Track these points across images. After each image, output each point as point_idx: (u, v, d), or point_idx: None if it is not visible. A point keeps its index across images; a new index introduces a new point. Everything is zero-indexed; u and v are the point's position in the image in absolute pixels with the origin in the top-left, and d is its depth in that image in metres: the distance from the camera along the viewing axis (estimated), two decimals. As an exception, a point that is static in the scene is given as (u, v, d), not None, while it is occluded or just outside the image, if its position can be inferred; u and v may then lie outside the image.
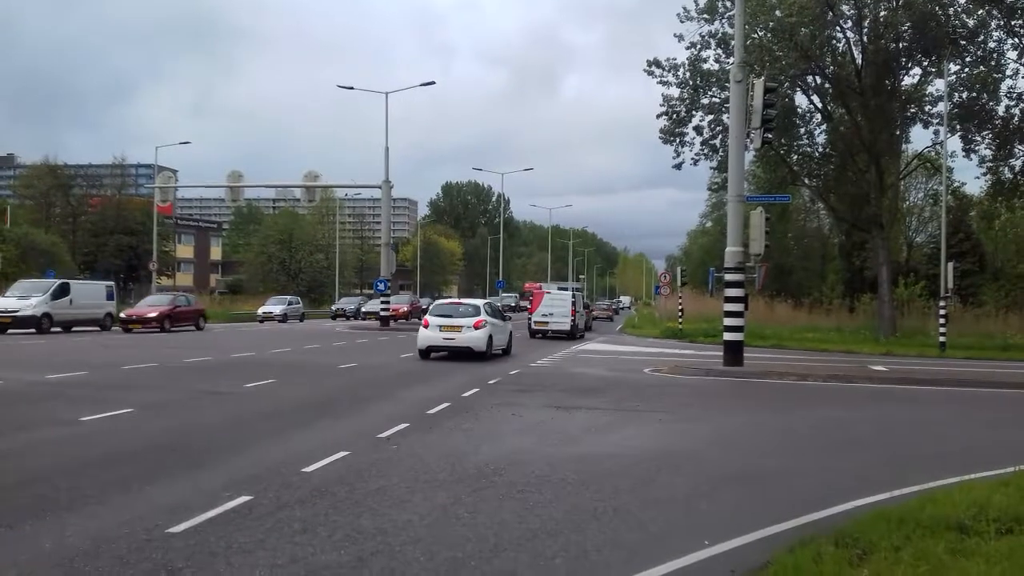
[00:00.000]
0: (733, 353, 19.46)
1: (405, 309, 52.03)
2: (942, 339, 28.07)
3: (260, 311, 50.74)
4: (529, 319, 35.21)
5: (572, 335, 33.99)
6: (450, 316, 22.17)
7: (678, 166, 34.89)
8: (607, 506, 6.55)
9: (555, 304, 34.38)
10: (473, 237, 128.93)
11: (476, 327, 21.66)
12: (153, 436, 9.29)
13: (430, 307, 25.17)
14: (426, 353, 21.55)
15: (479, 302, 24.35)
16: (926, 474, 7.82)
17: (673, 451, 9.26)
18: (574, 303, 34.89)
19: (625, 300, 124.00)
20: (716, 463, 8.54)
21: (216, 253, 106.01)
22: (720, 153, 33.32)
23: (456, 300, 29.41)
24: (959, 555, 5.08)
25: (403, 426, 10.10)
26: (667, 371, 19.23)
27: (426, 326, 21.86)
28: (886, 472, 8.14)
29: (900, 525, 5.63)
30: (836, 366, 21.20)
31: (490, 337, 21.91)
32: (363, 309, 55.99)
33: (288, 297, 56.24)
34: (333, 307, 60.31)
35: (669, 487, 7.37)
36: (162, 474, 7.29)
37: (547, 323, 33.93)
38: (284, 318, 49.70)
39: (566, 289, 38.34)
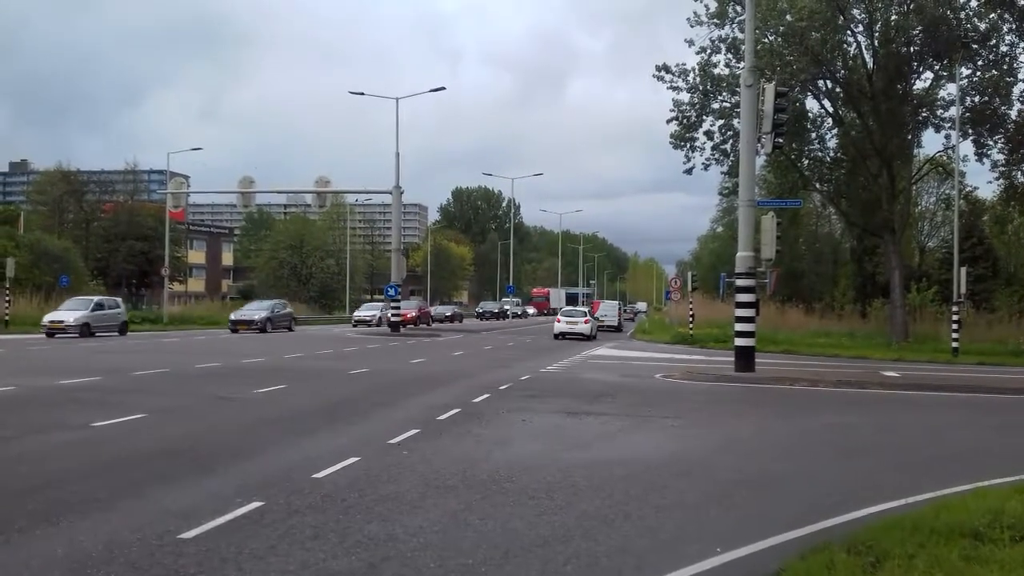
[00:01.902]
0: (744, 359, 19.39)
1: (414, 315, 50.57)
2: (954, 344, 27.91)
3: (46, 320, 32.50)
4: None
5: (618, 328, 52.64)
6: (572, 316, 40.17)
7: (689, 171, 34.84)
8: (618, 512, 6.53)
9: (608, 309, 56.92)
10: (483, 242, 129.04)
11: (585, 323, 38.80)
12: (164, 441, 9.32)
13: (560, 310, 49.28)
14: (558, 336, 37.43)
15: (585, 308, 46.41)
16: (939, 480, 7.77)
17: (684, 457, 9.24)
18: (618, 309, 59.33)
19: (641, 305, 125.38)
20: (727, 469, 8.51)
21: (228, 258, 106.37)
22: (731, 158, 33.21)
23: (574, 308, 48.55)
24: (973, 562, 5.04)
25: (414, 432, 10.10)
26: (678, 377, 19.19)
27: (559, 321, 39.51)
28: (899, 478, 8.09)
29: (914, 532, 5.59)
30: (848, 372, 21.10)
31: (592, 327, 38.79)
32: (233, 317, 41.30)
33: (96, 297, 37.04)
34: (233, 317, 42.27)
35: (680, 493, 7.35)
36: (173, 479, 7.32)
37: (603, 321, 49.49)
38: (84, 330, 31.92)
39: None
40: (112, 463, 8.08)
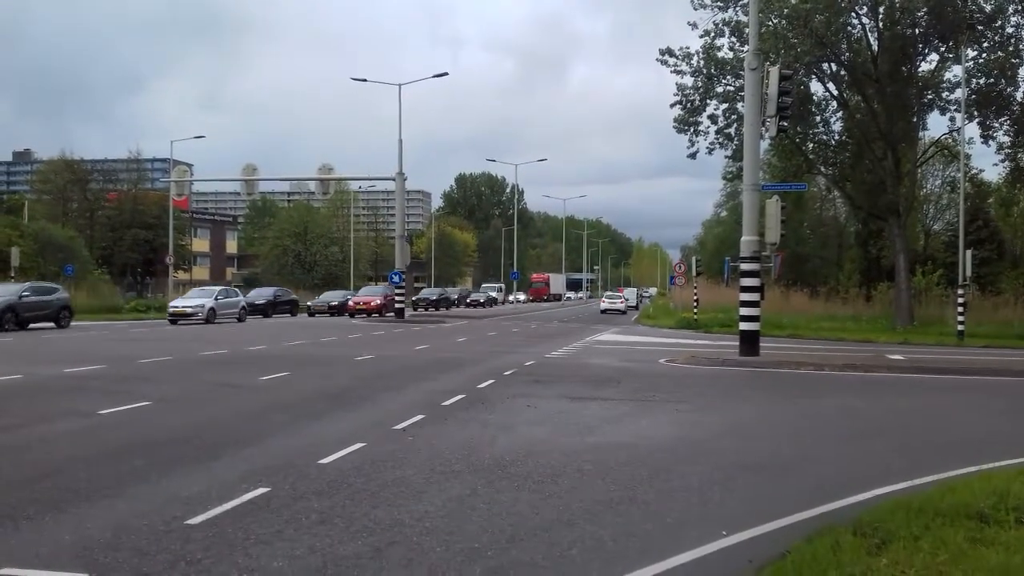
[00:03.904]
0: (749, 343, 19.37)
1: (378, 302, 43.99)
2: (960, 327, 27.84)
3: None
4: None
5: (636, 307, 72.21)
6: (612, 298, 63.59)
7: (693, 155, 34.73)
8: (623, 496, 6.54)
9: (629, 294, 79.58)
10: (487, 228, 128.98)
11: (621, 303, 61.21)
12: (170, 428, 9.35)
13: (604, 294, 79.32)
14: (604, 312, 56.49)
15: (620, 294, 71.95)
16: (944, 463, 7.77)
17: (689, 441, 9.24)
18: (637, 294, 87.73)
19: (652, 291, 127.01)
20: (732, 453, 8.51)
21: (232, 246, 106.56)
22: (735, 142, 33.10)
23: (613, 293, 72.87)
24: (978, 544, 5.05)
25: (419, 417, 10.12)
26: (682, 361, 19.18)
27: (603, 301, 62.57)
28: (904, 461, 8.09)
29: (919, 514, 5.59)
30: (853, 355, 21.08)
31: (625, 306, 61.71)
32: None
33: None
34: None
35: (685, 477, 7.35)
36: (180, 466, 7.34)
37: (627, 301, 67.57)
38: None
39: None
40: (119, 450, 8.11)
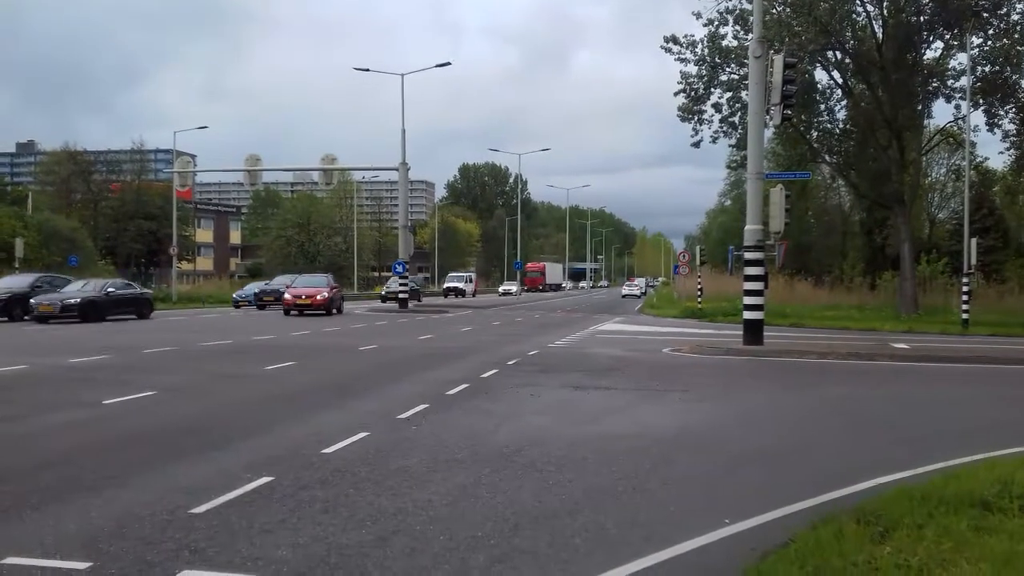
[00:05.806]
0: (753, 332, 19.34)
1: (325, 296, 34.25)
2: (965, 316, 27.77)
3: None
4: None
5: (645, 293, 79.86)
6: (631, 286, 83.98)
7: (697, 144, 34.57)
8: (626, 485, 6.54)
9: (640, 281, 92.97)
10: (491, 218, 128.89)
11: (638, 288, 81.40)
12: (174, 418, 9.37)
13: (625, 282, 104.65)
14: (624, 296, 73.30)
15: (637, 281, 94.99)
16: (949, 451, 7.75)
17: (693, 430, 9.24)
18: (646, 282, 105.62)
19: (660, 279, 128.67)
20: (736, 442, 8.51)
21: (235, 237, 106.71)
22: (739, 131, 32.94)
23: (631, 283, 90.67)
24: (982, 532, 5.03)
25: (422, 407, 10.12)
26: (686, 351, 19.16)
27: (624, 288, 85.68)
28: (908, 450, 8.08)
29: (923, 502, 5.58)
30: (857, 344, 21.05)
31: (640, 291, 79.50)
32: None
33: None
34: None
35: (689, 466, 7.35)
36: (183, 456, 7.35)
37: (640, 288, 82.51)
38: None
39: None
40: (123, 440, 8.13)
